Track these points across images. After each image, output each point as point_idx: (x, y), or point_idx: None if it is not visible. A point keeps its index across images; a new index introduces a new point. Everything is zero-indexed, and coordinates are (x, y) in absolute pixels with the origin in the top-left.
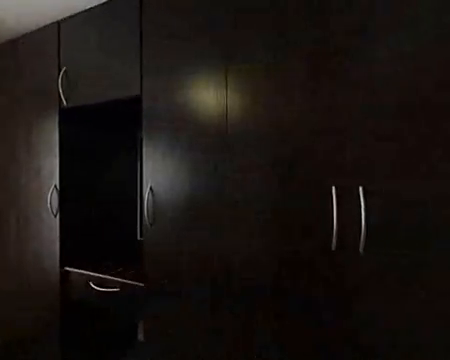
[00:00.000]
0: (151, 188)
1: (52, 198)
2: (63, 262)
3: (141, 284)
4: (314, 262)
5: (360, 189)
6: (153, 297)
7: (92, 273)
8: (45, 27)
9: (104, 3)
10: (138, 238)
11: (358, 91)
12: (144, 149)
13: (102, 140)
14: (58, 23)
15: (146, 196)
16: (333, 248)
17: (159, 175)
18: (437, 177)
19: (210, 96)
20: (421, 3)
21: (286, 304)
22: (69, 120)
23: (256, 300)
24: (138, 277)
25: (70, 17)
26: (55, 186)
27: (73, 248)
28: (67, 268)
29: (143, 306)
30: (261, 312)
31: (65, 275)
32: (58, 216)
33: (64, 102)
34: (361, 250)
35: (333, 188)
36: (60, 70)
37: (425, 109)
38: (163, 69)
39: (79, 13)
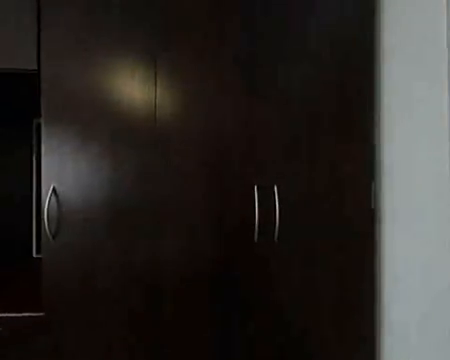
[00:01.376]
0: (54, 190)
1: None
2: None
3: (37, 314)
4: (241, 254)
5: (275, 188)
6: (54, 334)
7: None
8: None
9: None
10: (34, 255)
11: (275, 103)
12: (43, 139)
13: None
14: None
15: (47, 200)
16: (255, 240)
17: (67, 173)
18: (335, 178)
19: (136, 86)
20: (320, 39)
21: (222, 299)
22: None
23: (190, 311)
24: (31, 307)
25: None
26: None
27: None
28: None
29: (38, 347)
30: (196, 319)
31: None
32: None
33: None
34: (276, 239)
35: (255, 187)
36: None
37: (328, 120)
38: (70, 44)
39: None
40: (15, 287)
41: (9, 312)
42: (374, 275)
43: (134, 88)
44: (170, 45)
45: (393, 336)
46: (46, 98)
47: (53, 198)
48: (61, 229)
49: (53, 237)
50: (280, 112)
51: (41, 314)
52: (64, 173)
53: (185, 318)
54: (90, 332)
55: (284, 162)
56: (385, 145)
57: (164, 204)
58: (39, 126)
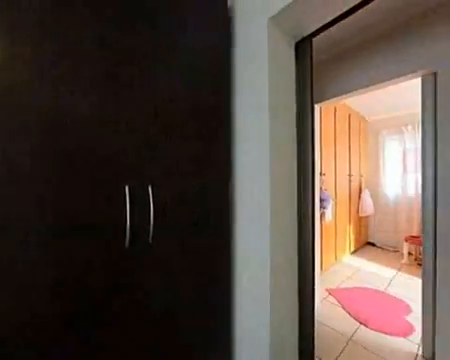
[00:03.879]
0: None
1: None
2: None
3: None
4: (110, 261)
5: (149, 188)
6: None
7: None
8: None
9: None
10: None
11: (149, 103)
12: None
13: None
14: None
15: None
16: (127, 245)
17: None
18: (200, 175)
19: None
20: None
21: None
22: None
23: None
24: None
25: None
26: None
27: None
28: None
29: None
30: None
31: None
32: None
33: None
34: (150, 240)
35: (126, 188)
36: None
37: (195, 126)
38: None
39: None
40: None
41: None
42: (230, 262)
43: None
44: None
45: (242, 311)
46: None
47: None
48: None
49: None
50: (150, 114)
51: None
52: None
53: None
54: None
55: (157, 163)
56: (238, 154)
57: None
58: None
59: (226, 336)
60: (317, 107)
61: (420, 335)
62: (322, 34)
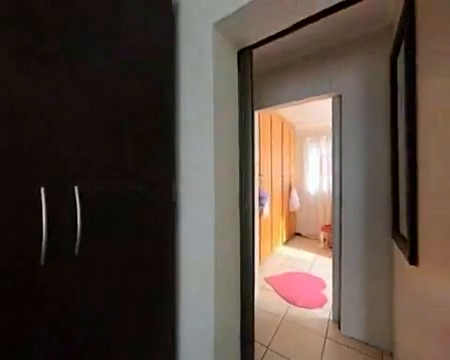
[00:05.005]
0: None
1: None
2: None
3: None
4: (18, 286)
5: (76, 189)
6: None
7: None
8: None
9: None
10: None
11: (76, 98)
12: None
13: None
14: None
15: None
16: (42, 262)
17: None
18: (141, 174)
19: None
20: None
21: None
22: None
23: None
24: None
25: None
26: None
27: None
28: None
29: None
30: None
31: None
32: None
33: None
34: (76, 252)
35: (42, 189)
36: None
37: (138, 122)
38: None
39: None
40: None
41: None
42: (175, 260)
43: None
44: None
45: (186, 310)
46: None
47: None
48: None
49: None
50: (80, 105)
51: None
52: None
53: None
54: None
55: (87, 160)
56: (183, 153)
57: None
58: None
59: (170, 336)
60: (256, 113)
61: (331, 304)
62: (260, 48)
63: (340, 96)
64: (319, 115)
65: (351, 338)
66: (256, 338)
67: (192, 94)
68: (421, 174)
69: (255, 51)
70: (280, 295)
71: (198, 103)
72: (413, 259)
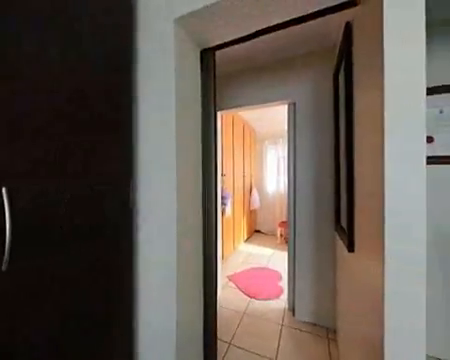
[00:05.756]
0: None
1: None
2: None
3: None
4: None
5: (3, 191)
6: None
7: None
8: None
9: None
10: None
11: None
12: None
13: None
14: None
15: None
16: None
17: None
18: (78, 177)
19: None
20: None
21: None
22: None
23: None
24: None
25: None
26: None
27: None
28: None
29: None
30: None
31: None
32: None
33: None
34: (4, 267)
35: None
36: None
37: (90, 119)
38: None
39: None
40: None
41: None
42: (132, 263)
43: None
44: None
45: (147, 314)
46: None
47: None
48: None
49: None
50: (24, 102)
51: None
52: None
53: None
54: None
55: (21, 156)
56: (142, 152)
57: None
58: None
59: (129, 342)
60: (219, 114)
61: (286, 294)
62: (224, 50)
63: (294, 104)
64: (276, 119)
65: (304, 322)
66: (219, 336)
67: (153, 91)
68: (356, 177)
69: (219, 53)
70: (242, 291)
71: (159, 101)
72: (351, 247)
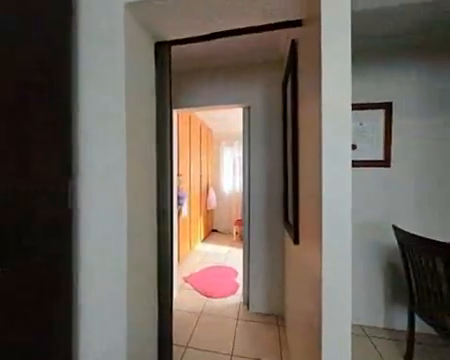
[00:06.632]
0: None
1: None
2: None
3: None
4: None
5: None
6: None
7: None
8: None
9: None
10: None
11: None
12: None
13: None
14: None
15: None
16: None
17: None
18: (9, 177)
19: None
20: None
21: None
22: None
23: None
24: None
25: None
26: None
27: None
28: None
29: None
30: None
31: None
32: None
33: None
34: None
35: None
36: None
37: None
38: None
39: None
40: None
41: None
42: (71, 271)
43: None
44: None
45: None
46: None
47: None
48: None
49: None
50: None
51: None
52: None
53: None
54: None
55: None
56: (85, 151)
57: None
58: None
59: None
60: (175, 113)
61: (242, 289)
62: (183, 47)
63: (249, 107)
64: (234, 121)
65: (257, 313)
66: (175, 341)
67: (99, 83)
68: (301, 178)
69: (177, 50)
70: (198, 291)
71: (107, 94)
72: (296, 240)
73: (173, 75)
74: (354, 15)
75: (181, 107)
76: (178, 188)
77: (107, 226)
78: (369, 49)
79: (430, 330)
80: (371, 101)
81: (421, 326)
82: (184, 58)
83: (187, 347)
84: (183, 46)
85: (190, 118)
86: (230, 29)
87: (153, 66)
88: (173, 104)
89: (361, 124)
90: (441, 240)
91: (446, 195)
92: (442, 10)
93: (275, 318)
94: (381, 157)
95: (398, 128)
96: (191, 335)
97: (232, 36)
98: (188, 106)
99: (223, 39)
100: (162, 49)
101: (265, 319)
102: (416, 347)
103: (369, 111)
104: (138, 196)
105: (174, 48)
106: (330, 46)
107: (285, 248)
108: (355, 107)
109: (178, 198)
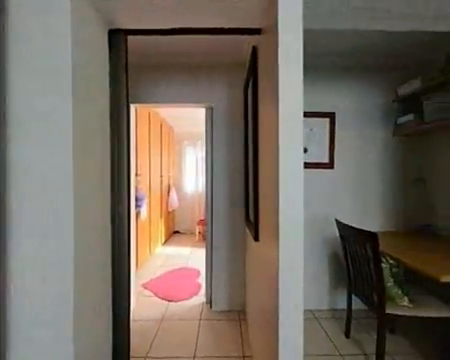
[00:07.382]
0: None
1: None
2: None
3: None
4: None
5: None
6: None
7: None
8: None
9: None
10: None
11: None
12: None
13: None
14: None
15: None
16: None
17: None
18: None
19: None
20: None
21: None
22: None
23: None
24: None
25: None
26: None
27: None
28: None
29: None
30: None
31: None
32: None
33: None
34: None
35: None
36: None
37: None
38: None
39: None
40: None
41: None
42: None
43: None
44: None
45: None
46: None
47: None
48: None
49: None
50: None
51: None
52: None
53: None
54: None
55: None
56: (16, 148)
57: None
58: None
59: None
60: (133, 108)
61: (204, 289)
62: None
63: (212, 108)
64: (196, 121)
65: (220, 311)
66: (133, 353)
67: (36, 72)
68: (260, 178)
69: (136, 42)
70: (159, 297)
71: (48, 86)
72: (256, 237)
73: (132, 68)
74: (305, 33)
75: (140, 102)
76: (136, 189)
77: (48, 235)
78: (319, 66)
79: (364, 306)
80: (319, 110)
81: (357, 304)
82: (145, 52)
83: (146, 358)
84: (145, 38)
85: (150, 115)
86: (192, 27)
87: (106, 54)
88: (130, 98)
89: (311, 130)
90: (371, 230)
91: (374, 193)
92: (372, 42)
93: (237, 314)
94: (327, 160)
95: (338, 136)
96: (151, 344)
97: (192, 34)
98: (147, 102)
99: (188, 37)
100: (117, 37)
101: (227, 316)
102: (353, 323)
103: (317, 119)
104: (87, 199)
105: (134, 40)
106: (286, 58)
107: (246, 246)
108: (307, 115)
109: (136, 199)
